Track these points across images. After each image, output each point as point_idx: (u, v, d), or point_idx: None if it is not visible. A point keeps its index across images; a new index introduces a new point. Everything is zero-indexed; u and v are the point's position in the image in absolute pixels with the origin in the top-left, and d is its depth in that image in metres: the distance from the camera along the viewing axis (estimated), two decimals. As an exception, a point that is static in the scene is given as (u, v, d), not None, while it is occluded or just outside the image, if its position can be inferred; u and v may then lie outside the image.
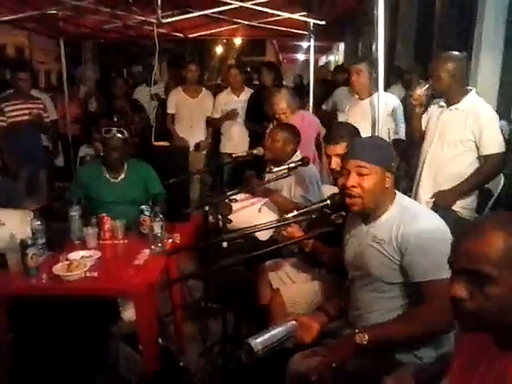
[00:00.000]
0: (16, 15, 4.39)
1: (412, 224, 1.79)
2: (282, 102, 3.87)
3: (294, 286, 2.67)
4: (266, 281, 2.78)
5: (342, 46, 13.26)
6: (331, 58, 15.39)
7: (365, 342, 1.72)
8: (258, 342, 1.71)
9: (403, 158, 3.95)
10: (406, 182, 3.71)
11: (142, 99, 6.09)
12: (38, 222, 2.63)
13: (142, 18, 4.63)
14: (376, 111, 3.25)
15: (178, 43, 9.60)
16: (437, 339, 1.82)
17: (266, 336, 1.76)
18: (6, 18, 4.41)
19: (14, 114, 4.33)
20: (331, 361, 1.73)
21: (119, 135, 3.12)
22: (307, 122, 4.01)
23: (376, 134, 3.22)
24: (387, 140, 3.18)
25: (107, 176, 3.23)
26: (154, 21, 4.25)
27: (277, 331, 1.82)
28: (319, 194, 2.97)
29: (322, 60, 16.22)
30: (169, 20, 4.18)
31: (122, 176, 3.25)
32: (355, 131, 2.47)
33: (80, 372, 2.71)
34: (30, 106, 4.46)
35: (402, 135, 3.77)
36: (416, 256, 1.76)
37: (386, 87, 4.28)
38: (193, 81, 5.24)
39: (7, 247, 2.52)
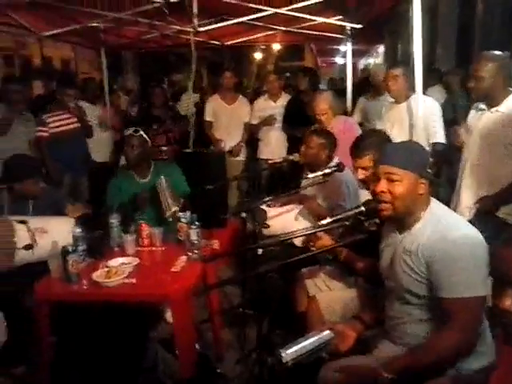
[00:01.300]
0: (60, 29, 4.55)
1: (441, 237, 1.73)
2: (323, 103, 3.85)
3: (330, 294, 2.63)
4: (303, 288, 2.76)
5: (381, 48, 13.08)
6: (371, 60, 15.21)
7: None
8: (289, 352, 1.70)
9: (444, 163, 3.85)
10: (448, 187, 3.60)
11: (187, 106, 6.18)
12: (79, 230, 2.70)
13: (179, 28, 4.71)
14: (413, 115, 3.18)
15: (218, 51, 9.70)
16: (476, 352, 1.76)
17: (298, 346, 1.74)
18: (51, 33, 4.57)
19: (56, 124, 4.48)
20: None
21: (137, 134, 3.25)
22: (348, 126, 3.95)
23: (413, 138, 3.14)
24: (425, 144, 3.11)
25: (135, 177, 3.36)
26: (191, 30, 4.32)
27: (310, 341, 1.80)
28: (356, 201, 2.93)
29: (362, 63, 16.05)
30: (205, 28, 4.23)
31: (149, 177, 3.35)
32: (383, 139, 2.42)
33: (119, 375, 2.77)
34: (70, 117, 4.60)
35: (442, 139, 3.65)
36: (441, 272, 1.71)
37: (425, 90, 4.19)
38: (229, 88, 5.28)
39: (50, 254, 2.62)
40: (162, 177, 3.15)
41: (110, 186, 3.39)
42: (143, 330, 3.09)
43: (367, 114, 5.00)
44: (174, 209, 3.04)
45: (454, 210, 2.58)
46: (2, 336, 2.31)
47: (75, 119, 4.66)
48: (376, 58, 14.59)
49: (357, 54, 11.72)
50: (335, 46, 11.40)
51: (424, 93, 3.54)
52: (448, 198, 3.08)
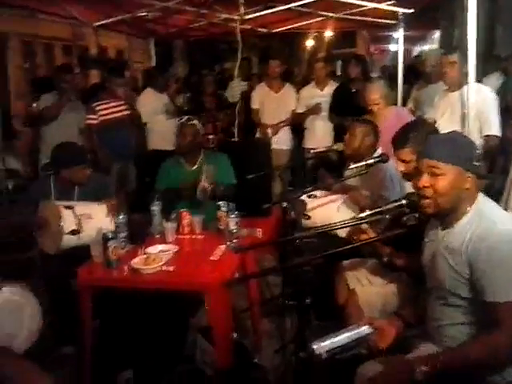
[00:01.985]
0: (110, 19, 4.63)
1: (487, 235, 1.62)
2: (375, 93, 3.75)
3: (371, 288, 2.56)
4: (343, 280, 2.70)
5: (437, 34, 12.57)
6: (426, 47, 14.68)
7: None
8: (323, 345, 1.65)
9: (500, 156, 3.64)
10: (502, 181, 3.41)
11: (234, 94, 6.18)
12: (122, 216, 2.75)
13: (226, 16, 4.68)
14: (466, 104, 3.02)
15: (269, 38, 9.62)
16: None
17: (333, 340, 1.70)
18: (101, 23, 4.66)
19: (106, 112, 4.57)
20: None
21: (189, 123, 3.29)
22: (401, 117, 3.76)
23: (465, 129, 2.99)
24: (478, 136, 2.96)
25: (184, 164, 3.39)
26: (237, 17, 4.28)
27: (346, 335, 1.75)
28: (400, 193, 2.82)
29: (416, 50, 15.53)
30: (251, 16, 4.18)
31: (198, 165, 3.37)
32: (427, 131, 2.29)
33: (158, 361, 2.81)
34: (120, 105, 4.68)
35: (496, 131, 3.42)
36: (486, 272, 1.60)
37: (482, 77, 3.97)
38: (275, 76, 5.22)
39: (94, 240, 2.67)
40: (211, 165, 3.22)
41: (160, 170, 3.46)
42: (184, 318, 3.13)
43: (419, 103, 4.82)
44: (206, 185, 3.09)
45: (505, 208, 2.43)
46: (38, 325, 2.38)
47: (125, 107, 4.74)
48: (431, 44, 14.06)
49: (411, 41, 11.33)
50: (388, 33, 11.06)
51: (480, 81, 3.36)
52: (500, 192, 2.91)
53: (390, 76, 5.54)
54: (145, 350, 2.81)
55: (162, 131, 5.08)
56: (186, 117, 3.38)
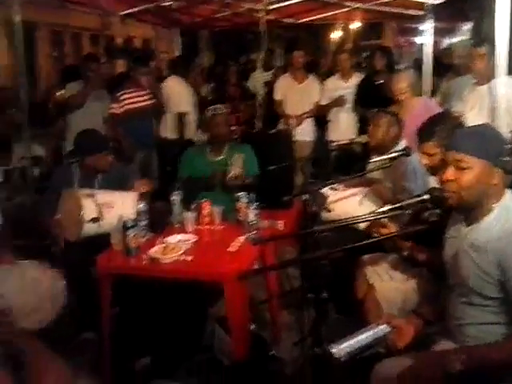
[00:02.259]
0: (134, 9, 4.63)
1: None
2: (402, 82, 3.68)
3: (391, 284, 2.51)
4: (363, 275, 2.66)
5: (468, 26, 12.27)
6: (455, 39, 14.34)
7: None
8: (342, 348, 1.63)
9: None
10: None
11: (256, 85, 6.15)
12: (143, 205, 2.76)
13: (250, 6, 4.65)
14: (495, 98, 2.93)
15: (295, 29, 9.54)
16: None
17: (351, 342, 1.67)
18: (126, 12, 4.68)
19: (130, 101, 4.59)
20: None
21: (220, 112, 3.29)
22: (428, 108, 3.67)
23: (494, 123, 2.90)
24: (507, 130, 2.86)
25: (209, 154, 3.39)
26: (261, 8, 4.24)
27: (364, 337, 1.72)
28: (423, 187, 2.76)
29: (446, 42, 15.19)
30: (275, 6, 4.14)
31: (223, 156, 3.36)
32: (453, 124, 2.23)
33: (177, 350, 2.83)
34: (144, 94, 4.69)
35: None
36: None
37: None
38: (299, 67, 5.18)
39: (115, 228, 2.69)
40: (239, 154, 3.26)
41: (183, 158, 3.47)
42: (203, 307, 3.13)
43: (447, 96, 4.71)
44: (237, 171, 3.10)
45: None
46: (60, 300, 2.41)
47: (148, 96, 4.75)
48: (462, 36, 13.74)
49: (441, 33, 11.06)
50: (418, 25, 10.85)
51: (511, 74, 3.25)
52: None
53: (420, 68, 5.40)
54: (163, 338, 2.83)
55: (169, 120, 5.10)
56: (215, 106, 3.37)
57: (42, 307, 2.29)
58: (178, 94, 5.11)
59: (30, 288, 2.32)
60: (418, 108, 3.58)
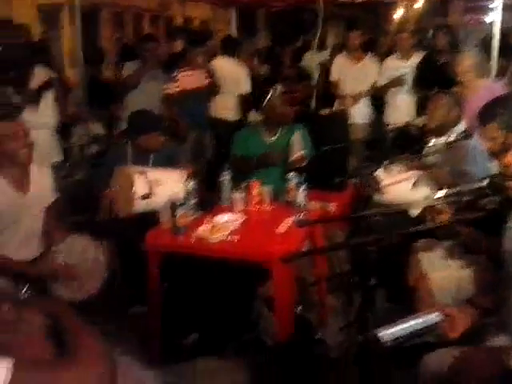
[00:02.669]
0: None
1: None
2: (466, 61, 3.51)
3: (445, 272, 2.41)
4: (416, 262, 2.57)
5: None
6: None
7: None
8: (389, 333, 1.57)
9: None
10: None
11: (310, 65, 6.04)
12: (192, 183, 2.77)
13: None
14: None
15: (356, 8, 9.26)
16: None
17: (399, 327, 1.61)
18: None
19: (184, 81, 4.61)
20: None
21: (277, 93, 3.26)
22: (493, 90, 3.39)
23: None
24: None
25: (263, 135, 3.37)
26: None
27: (413, 323, 1.65)
28: (484, 173, 2.61)
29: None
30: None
31: (276, 137, 3.35)
32: None
33: (224, 328, 2.85)
34: (200, 74, 4.70)
35: None
36: None
37: None
38: (355, 47, 5.06)
39: (164, 206, 2.72)
40: (296, 133, 3.22)
41: (236, 138, 3.46)
42: (252, 286, 3.13)
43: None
44: (299, 153, 3.08)
45: None
46: (102, 273, 2.48)
47: (204, 76, 4.75)
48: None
49: (510, 10, 10.38)
50: (485, 2, 10.26)
51: None
52: None
53: (488, 48, 5.10)
54: (211, 316, 2.85)
55: (224, 100, 5.06)
56: (275, 87, 3.34)
57: (86, 278, 2.38)
58: (231, 74, 5.07)
59: (76, 259, 2.41)
60: (483, 90, 3.38)
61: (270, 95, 3.29)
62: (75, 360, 1.07)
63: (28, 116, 3.48)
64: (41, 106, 3.63)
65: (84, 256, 2.50)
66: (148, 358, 2.67)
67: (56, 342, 1.18)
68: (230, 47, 5.34)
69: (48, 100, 3.67)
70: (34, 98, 3.59)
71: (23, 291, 1.43)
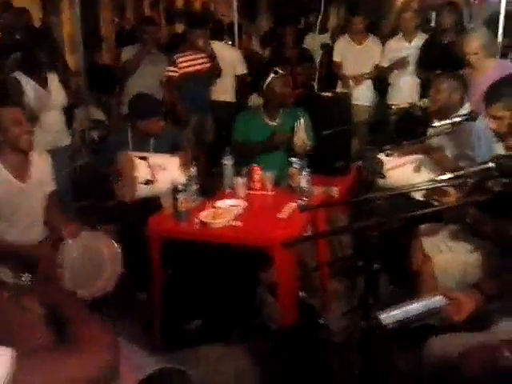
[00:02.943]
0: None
1: None
2: (475, 41, 3.43)
3: (449, 256, 2.39)
4: (419, 245, 2.55)
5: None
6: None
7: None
8: (391, 315, 1.55)
9: None
10: None
11: (312, 47, 5.96)
12: (193, 169, 2.75)
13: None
14: None
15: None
16: None
17: (402, 310, 1.59)
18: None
19: (185, 64, 4.54)
20: None
21: (278, 76, 3.21)
22: (504, 70, 3.39)
23: None
24: None
25: (264, 118, 3.33)
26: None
27: (416, 306, 1.63)
28: (488, 154, 2.57)
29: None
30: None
31: (278, 120, 3.31)
32: None
33: (228, 314, 2.85)
34: (201, 57, 4.64)
35: None
36: None
37: None
38: (358, 32, 4.99)
39: (166, 191, 2.70)
40: (302, 119, 3.17)
41: (237, 122, 3.41)
42: (255, 272, 3.13)
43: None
44: (304, 139, 3.06)
45: None
46: (119, 267, 2.46)
47: (205, 59, 4.69)
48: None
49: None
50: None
51: None
52: None
53: (495, 27, 5.00)
54: (215, 302, 2.85)
55: (223, 82, 5.03)
56: (275, 69, 3.27)
57: (101, 277, 2.36)
58: (226, 56, 5.02)
59: (90, 258, 2.39)
60: (492, 70, 3.30)
61: (270, 78, 3.24)
62: (77, 347, 1.06)
63: (42, 96, 3.48)
64: (51, 87, 3.63)
65: (97, 253, 2.47)
66: (151, 344, 2.69)
67: (56, 330, 1.17)
68: (218, 32, 5.29)
69: (54, 81, 3.67)
70: (44, 79, 3.59)
71: (23, 279, 1.42)
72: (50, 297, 1.26)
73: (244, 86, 5.25)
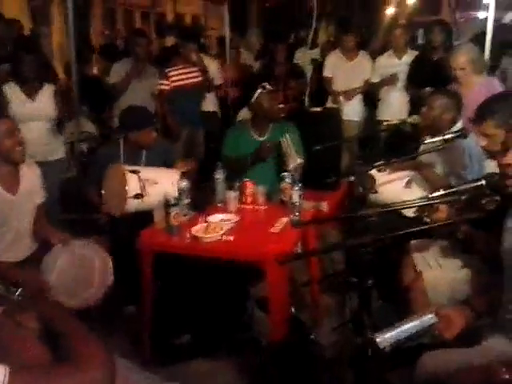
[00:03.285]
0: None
1: None
2: (462, 56, 3.47)
3: (439, 272, 2.40)
4: (410, 261, 2.56)
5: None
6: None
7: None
8: (386, 337, 1.55)
9: None
10: None
11: (302, 63, 6.02)
12: (185, 183, 2.74)
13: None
14: None
15: (346, 5, 9.24)
16: None
17: (396, 332, 1.59)
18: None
19: (177, 78, 4.56)
20: None
21: (265, 91, 3.21)
22: (491, 87, 3.43)
23: None
24: None
25: (252, 134, 3.33)
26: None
27: (410, 326, 1.64)
28: (480, 172, 2.60)
29: (506, 18, 14.31)
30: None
31: (267, 135, 3.31)
32: None
33: (217, 328, 2.83)
34: (192, 71, 4.65)
35: None
36: None
37: None
38: (350, 48, 5.07)
39: (157, 205, 2.69)
40: (287, 135, 3.15)
41: (226, 138, 3.40)
42: (244, 287, 3.11)
43: (508, 74, 4.43)
44: (300, 161, 3.02)
45: None
46: (109, 278, 2.44)
47: (196, 73, 4.70)
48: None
49: (502, 7, 10.42)
50: (478, -2, 10.29)
51: None
52: None
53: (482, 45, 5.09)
54: (204, 316, 2.83)
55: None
56: (263, 84, 3.28)
57: (91, 286, 2.32)
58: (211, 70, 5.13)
59: (80, 267, 2.36)
60: (479, 87, 3.35)
61: (257, 93, 3.25)
62: (74, 365, 1.04)
63: (29, 108, 3.46)
64: (41, 98, 3.59)
65: (87, 264, 2.44)
66: (140, 359, 2.65)
67: (52, 347, 1.15)
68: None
69: (48, 92, 3.63)
70: (35, 90, 3.56)
71: (16, 294, 1.39)
72: (43, 312, 1.24)
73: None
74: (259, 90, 3.24)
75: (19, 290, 1.40)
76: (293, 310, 2.76)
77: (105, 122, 5.01)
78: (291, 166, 2.99)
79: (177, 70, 4.59)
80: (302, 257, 2.72)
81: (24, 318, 1.20)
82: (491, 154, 2.09)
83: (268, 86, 3.25)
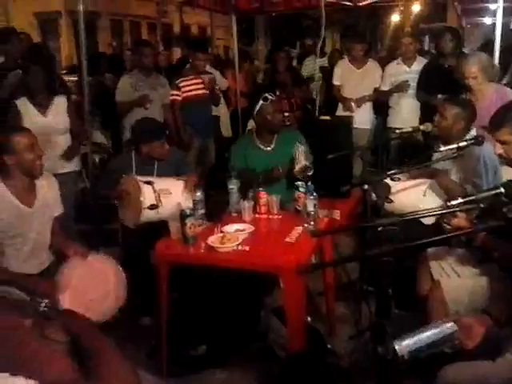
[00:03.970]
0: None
1: None
2: (473, 65, 3.46)
3: (457, 281, 2.39)
4: (427, 270, 2.54)
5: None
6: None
7: None
8: (405, 345, 1.53)
9: None
10: None
11: (310, 71, 6.05)
12: (199, 193, 2.75)
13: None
14: None
15: (352, 13, 9.29)
16: None
17: (416, 339, 1.57)
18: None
19: (188, 88, 4.59)
20: None
21: (269, 102, 3.18)
22: (503, 95, 3.44)
23: None
24: None
25: (258, 144, 3.31)
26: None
27: (429, 334, 1.61)
28: (495, 180, 2.59)
29: (514, 23, 14.27)
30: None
31: (273, 146, 3.30)
32: None
33: (232, 338, 2.82)
34: (202, 81, 4.67)
35: None
36: None
37: None
38: (358, 57, 5.08)
39: (172, 216, 2.69)
40: (298, 143, 3.11)
41: (235, 151, 3.39)
42: (258, 296, 3.11)
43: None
44: (305, 163, 2.99)
45: None
46: (123, 292, 2.43)
47: (207, 83, 4.72)
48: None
49: (509, 13, 10.41)
50: (484, 5, 10.27)
51: None
52: None
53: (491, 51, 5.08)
54: (219, 326, 2.82)
55: None
56: (266, 95, 3.24)
57: (106, 299, 2.32)
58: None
59: (95, 279, 2.35)
60: (490, 95, 3.35)
61: (259, 104, 3.22)
62: (101, 381, 1.04)
63: (49, 121, 3.49)
64: (53, 112, 3.58)
65: (102, 277, 2.43)
66: (156, 370, 2.65)
67: (79, 361, 1.15)
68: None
69: (59, 105, 3.62)
70: (45, 103, 3.56)
71: (43, 305, 1.38)
72: (70, 325, 1.24)
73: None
74: (261, 102, 3.21)
75: (46, 302, 1.40)
76: (309, 319, 2.75)
77: (117, 134, 5.03)
78: (297, 168, 2.99)
79: (188, 80, 4.61)
80: (322, 267, 2.71)
81: (51, 331, 1.20)
82: (508, 161, 2.08)
83: (270, 97, 3.22)
